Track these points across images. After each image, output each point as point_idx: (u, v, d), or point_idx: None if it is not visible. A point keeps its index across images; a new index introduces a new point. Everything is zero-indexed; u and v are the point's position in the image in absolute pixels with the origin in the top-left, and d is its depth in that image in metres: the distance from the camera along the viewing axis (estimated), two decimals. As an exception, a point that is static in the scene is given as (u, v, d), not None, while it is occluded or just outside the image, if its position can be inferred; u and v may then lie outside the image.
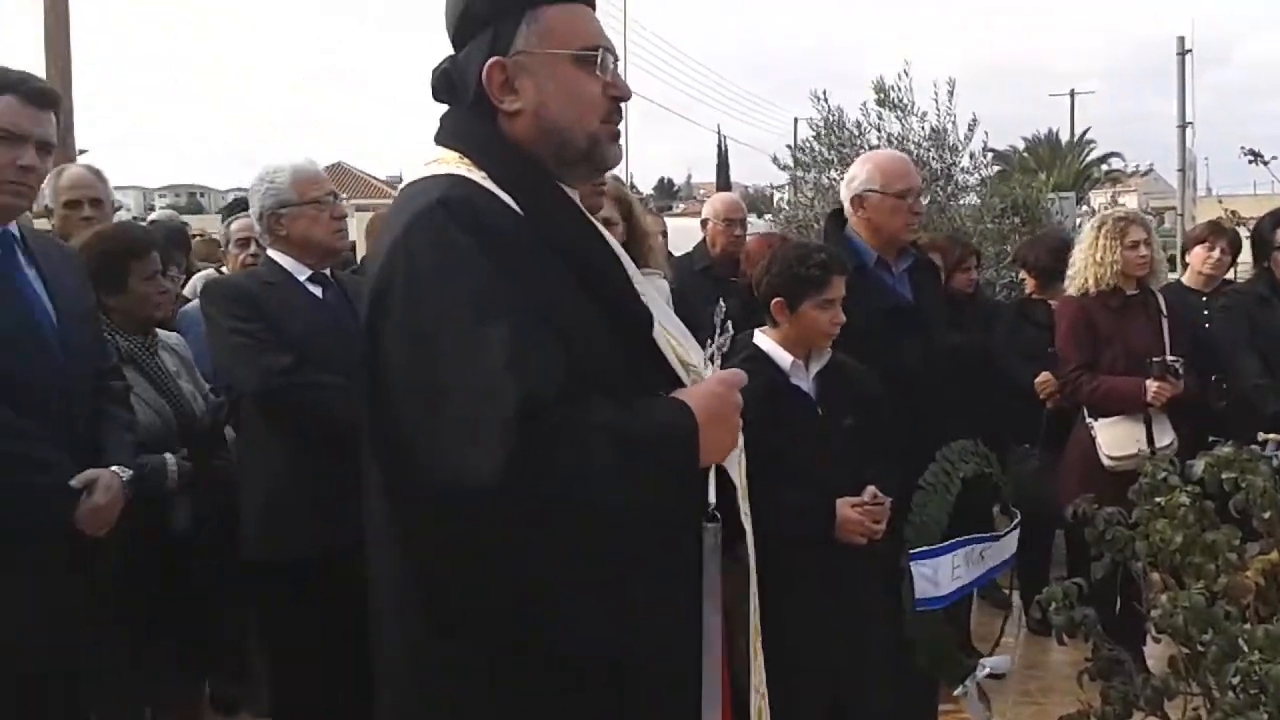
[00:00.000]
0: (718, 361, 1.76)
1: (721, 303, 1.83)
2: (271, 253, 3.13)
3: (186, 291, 4.58)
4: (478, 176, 1.66)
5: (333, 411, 2.75)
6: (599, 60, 1.70)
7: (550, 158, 1.71)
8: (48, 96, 2.57)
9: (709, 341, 1.78)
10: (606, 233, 1.82)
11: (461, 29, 1.72)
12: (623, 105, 1.75)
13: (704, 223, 5.74)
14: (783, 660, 2.86)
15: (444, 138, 1.75)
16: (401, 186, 1.79)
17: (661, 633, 1.62)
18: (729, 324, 1.79)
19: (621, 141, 1.81)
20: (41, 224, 3.71)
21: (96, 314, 2.86)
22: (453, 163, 1.69)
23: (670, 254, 5.28)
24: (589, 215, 1.79)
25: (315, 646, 2.89)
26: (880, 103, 8.50)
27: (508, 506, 1.44)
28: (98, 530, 2.50)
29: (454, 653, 1.61)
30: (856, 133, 8.66)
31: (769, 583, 2.98)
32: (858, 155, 8.21)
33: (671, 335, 1.76)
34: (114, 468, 2.58)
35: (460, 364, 1.47)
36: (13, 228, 2.54)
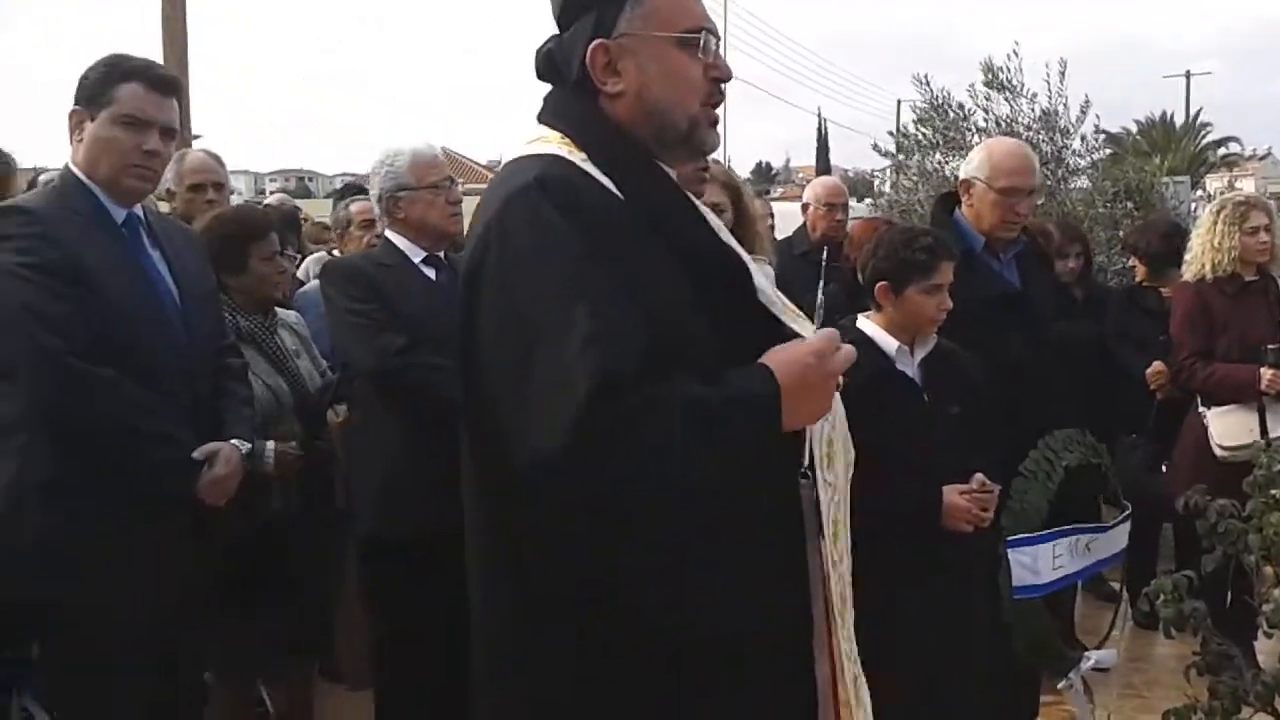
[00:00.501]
0: (820, 318, 1.76)
1: (821, 290, 1.82)
2: (389, 234, 3.19)
3: (300, 274, 4.73)
4: (577, 157, 1.68)
5: (444, 392, 2.80)
6: (702, 42, 1.71)
7: (650, 139, 1.72)
8: (171, 83, 2.66)
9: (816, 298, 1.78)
10: (708, 212, 1.83)
11: (567, 10, 1.74)
12: (724, 87, 1.76)
13: (804, 207, 5.69)
14: (885, 647, 2.88)
15: (546, 116, 1.77)
16: (503, 163, 1.82)
17: (749, 607, 1.62)
18: (822, 312, 1.79)
19: (719, 124, 1.82)
20: (162, 207, 3.84)
21: (217, 294, 2.96)
22: (554, 142, 1.72)
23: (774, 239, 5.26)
24: (690, 195, 1.80)
25: (423, 624, 2.95)
26: (988, 84, 8.30)
27: (578, 483, 1.47)
28: (218, 500, 2.59)
29: (539, 628, 1.64)
30: (962, 115, 8.48)
31: (872, 568, 2.99)
32: (964, 139, 8.14)
33: (775, 298, 1.76)
34: (233, 441, 2.67)
35: (543, 341, 1.50)
36: (138, 211, 2.64)
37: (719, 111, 1.78)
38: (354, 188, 6.18)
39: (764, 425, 1.56)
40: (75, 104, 2.58)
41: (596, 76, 1.70)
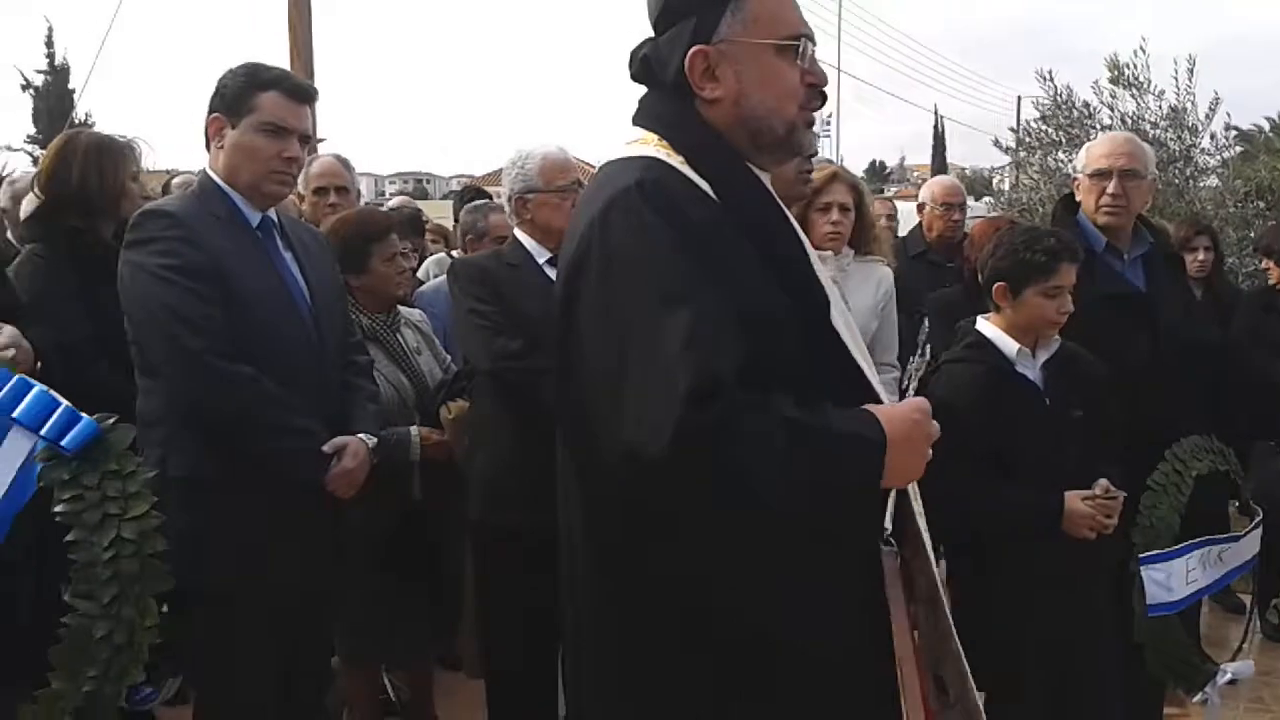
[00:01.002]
0: (914, 384, 1.75)
1: (926, 323, 1.81)
2: (518, 233, 3.25)
3: (420, 274, 4.85)
4: (675, 160, 1.69)
5: (550, 396, 2.86)
6: (800, 49, 1.71)
7: (746, 143, 1.74)
8: (308, 92, 2.76)
9: (910, 359, 1.77)
10: (792, 218, 1.83)
11: (665, 14, 1.75)
12: (824, 90, 1.76)
13: (920, 207, 5.61)
14: (1007, 657, 2.83)
15: (643, 119, 1.79)
16: (600, 165, 1.84)
17: (824, 634, 1.64)
18: (928, 348, 1.78)
19: (831, 123, 1.83)
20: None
21: (344, 294, 3.06)
22: (651, 144, 1.73)
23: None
24: (780, 202, 1.81)
25: (527, 612, 3.01)
26: (1114, 80, 8.07)
27: (671, 481, 1.48)
28: (346, 492, 2.68)
29: (629, 618, 1.67)
30: (1086, 113, 8.25)
31: (990, 577, 2.95)
32: (1088, 136, 7.92)
33: (846, 330, 1.76)
34: (360, 435, 2.75)
35: (643, 342, 1.52)
36: (272, 214, 2.74)
37: (825, 112, 1.80)
38: (473, 190, 6.30)
39: (867, 469, 1.55)
40: (214, 111, 2.67)
41: (694, 82, 1.71)
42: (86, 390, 2.31)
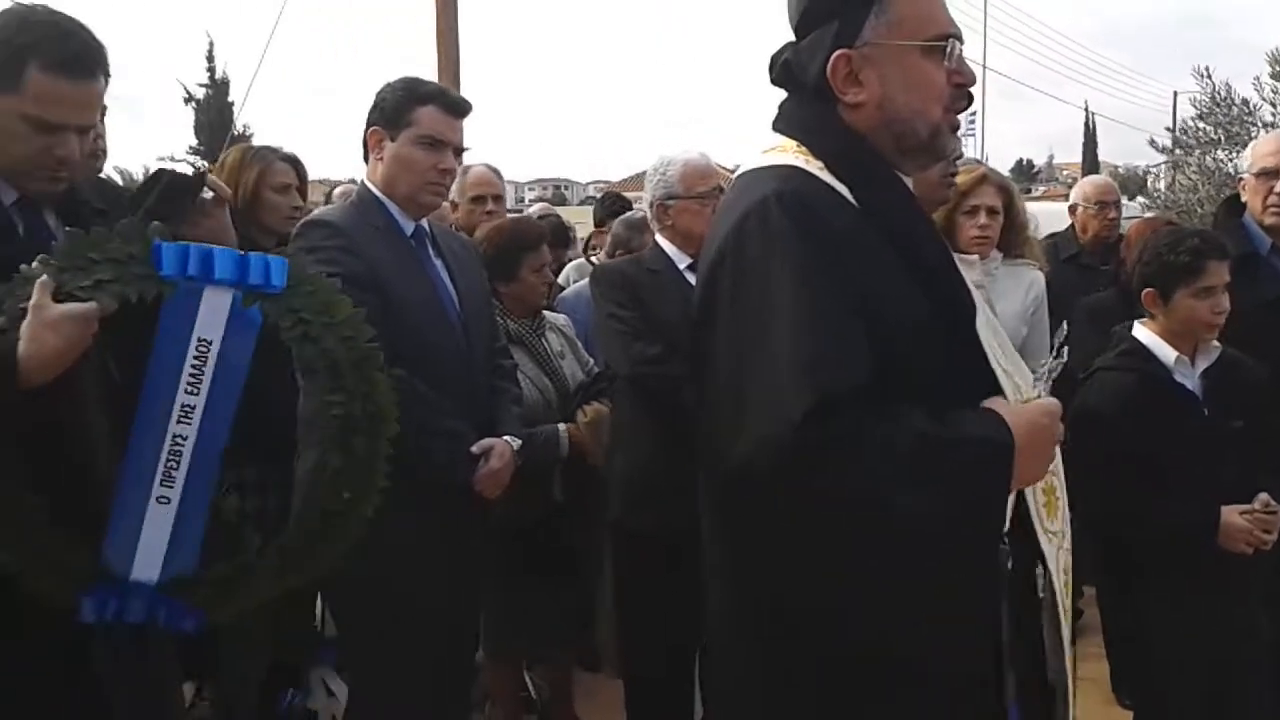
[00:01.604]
0: (1047, 385, 1.72)
1: (1065, 325, 1.78)
2: (659, 239, 3.29)
3: (560, 279, 4.95)
4: (814, 167, 1.68)
5: (688, 403, 2.89)
6: (948, 49, 1.68)
7: (890, 147, 1.71)
8: (464, 107, 2.85)
9: (1043, 361, 1.74)
10: (935, 224, 1.81)
11: (807, 17, 1.73)
12: (970, 91, 1.73)
13: (1072, 208, 5.43)
14: (1156, 674, 2.73)
15: (782, 125, 1.78)
16: (738, 174, 1.82)
17: (951, 642, 1.62)
18: (1065, 349, 1.75)
19: (976, 121, 1.81)
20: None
21: (491, 300, 3.15)
22: (790, 151, 1.72)
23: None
24: (922, 207, 1.79)
25: (664, 614, 3.04)
26: (1276, 76, 7.68)
27: (783, 497, 1.49)
28: (493, 493, 2.76)
29: (759, 626, 1.68)
30: (1246, 110, 7.88)
31: (1140, 592, 2.85)
32: (1248, 134, 7.56)
33: (993, 335, 1.74)
34: (506, 437, 2.83)
35: (765, 357, 1.52)
36: (424, 223, 2.84)
37: (969, 111, 1.76)
38: (613, 196, 6.37)
39: (994, 473, 1.53)
40: (373, 124, 2.77)
41: (837, 86, 1.69)
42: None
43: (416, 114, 2.74)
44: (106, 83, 2.05)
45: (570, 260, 5.64)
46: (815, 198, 1.63)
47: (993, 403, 1.61)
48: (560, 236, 5.37)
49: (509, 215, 4.44)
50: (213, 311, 1.94)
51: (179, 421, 1.94)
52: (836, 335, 1.52)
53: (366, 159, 2.83)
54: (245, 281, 1.94)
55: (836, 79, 1.69)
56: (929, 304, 1.64)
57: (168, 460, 1.96)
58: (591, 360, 3.76)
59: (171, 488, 1.96)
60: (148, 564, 1.97)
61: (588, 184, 60.22)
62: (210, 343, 1.94)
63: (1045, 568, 1.73)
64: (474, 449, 2.74)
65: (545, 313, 3.73)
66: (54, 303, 1.81)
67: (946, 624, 1.60)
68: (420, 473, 2.63)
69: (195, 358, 1.94)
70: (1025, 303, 3.41)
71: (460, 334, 2.81)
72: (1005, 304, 3.24)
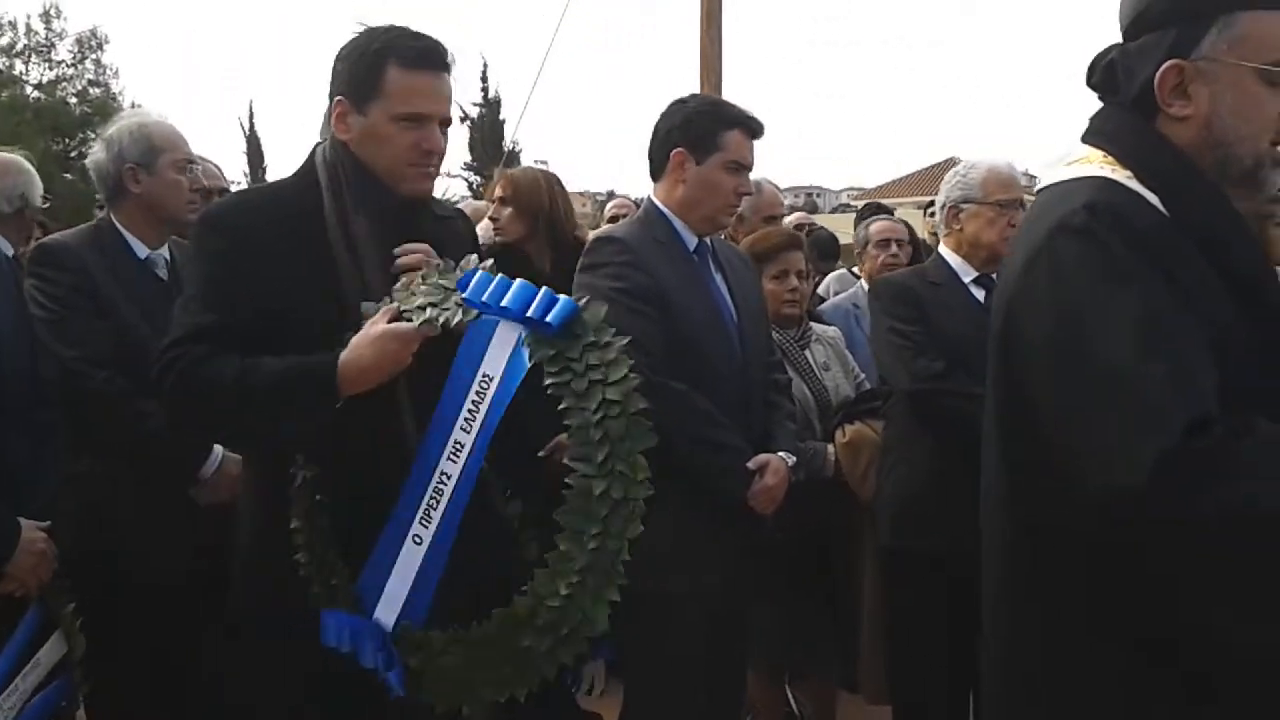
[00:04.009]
0: None
1: None
2: (942, 249, 3.22)
3: (820, 290, 4.92)
4: (1121, 175, 1.60)
5: (975, 421, 2.79)
6: None
7: (1210, 168, 1.61)
8: (762, 131, 2.88)
9: None
10: (1255, 234, 1.67)
11: (1140, 21, 1.65)
12: None
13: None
14: None
15: (1091, 136, 1.70)
16: (1040, 188, 1.75)
17: None
18: None
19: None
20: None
21: (766, 314, 3.15)
22: (1096, 162, 1.64)
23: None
24: (1241, 217, 1.64)
25: (932, 640, 3.00)
26: None
27: (1162, 518, 1.40)
28: (767, 509, 2.76)
29: (1072, 657, 1.59)
30: None
31: None
32: None
33: None
34: (781, 453, 2.82)
35: (1120, 376, 1.44)
36: (707, 241, 2.89)
37: None
38: (873, 206, 6.28)
39: None
40: (678, 145, 2.82)
41: (1162, 97, 1.61)
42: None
43: (725, 139, 2.79)
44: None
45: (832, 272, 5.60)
46: (1129, 208, 1.56)
47: None
48: (828, 248, 5.33)
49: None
50: (499, 346, 1.97)
51: (449, 458, 1.97)
52: (1191, 348, 1.45)
53: (657, 177, 2.89)
54: (525, 316, 1.94)
55: (1164, 89, 1.60)
56: (1245, 317, 1.54)
57: (431, 497, 1.98)
58: (862, 375, 3.71)
59: (428, 527, 1.98)
60: (389, 607, 2.00)
61: (840, 190, 59.58)
62: (491, 379, 1.96)
63: None
64: (750, 464, 2.74)
65: (814, 325, 3.70)
66: (381, 323, 1.97)
67: None
68: (697, 486, 2.68)
69: (476, 393, 1.97)
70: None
71: (737, 347, 2.83)
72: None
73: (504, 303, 1.96)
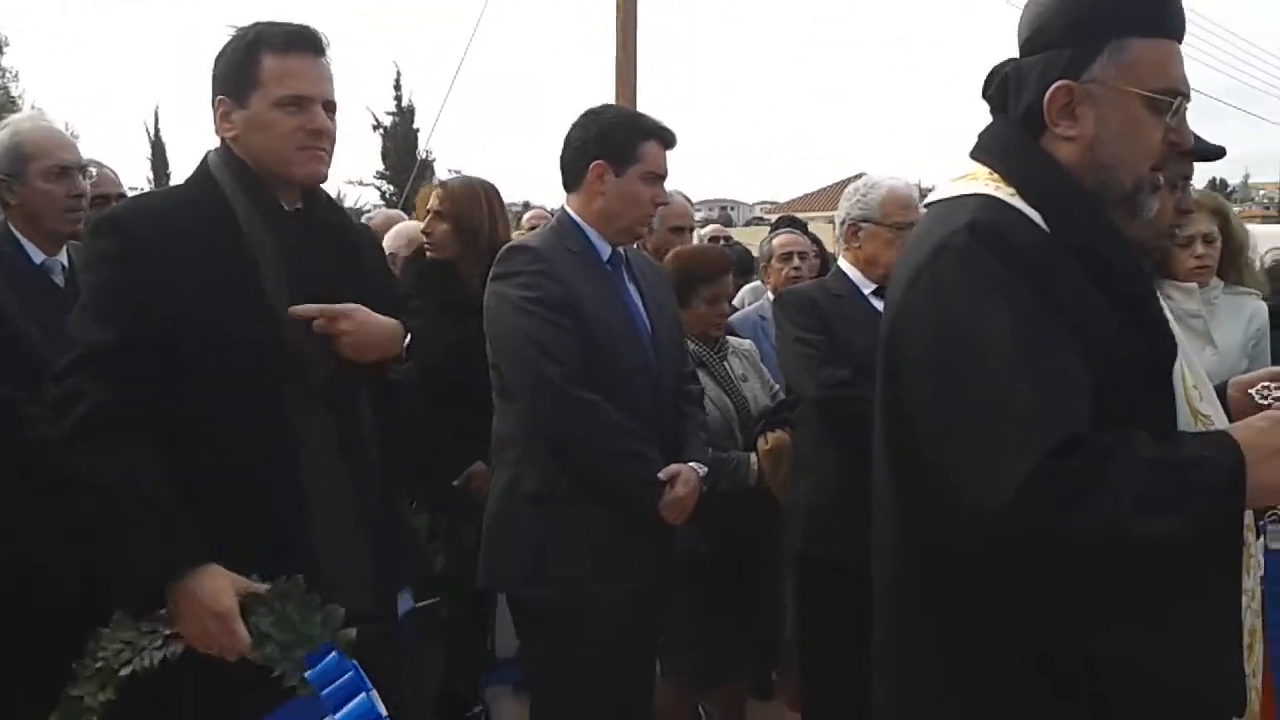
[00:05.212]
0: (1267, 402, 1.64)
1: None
2: (842, 263, 3.26)
3: (735, 301, 4.95)
4: (1005, 193, 1.62)
5: None
6: (1175, 107, 1.60)
7: (1091, 190, 1.64)
8: (674, 142, 2.90)
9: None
10: (1139, 255, 1.72)
11: (1038, 38, 1.67)
12: (1187, 154, 1.66)
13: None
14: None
15: (978, 153, 1.73)
16: (927, 203, 1.78)
17: (1195, 663, 1.54)
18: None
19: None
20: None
21: (680, 324, 3.16)
22: (981, 178, 1.67)
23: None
24: (1126, 239, 1.69)
25: (840, 645, 2.96)
26: None
27: (1024, 537, 1.42)
28: (677, 519, 2.75)
29: (956, 660, 1.62)
30: None
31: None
32: None
33: (1191, 376, 1.65)
34: (692, 464, 2.82)
35: (991, 395, 1.46)
36: (620, 248, 2.88)
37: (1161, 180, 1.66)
38: (786, 220, 6.34)
39: (1226, 494, 1.44)
40: (597, 158, 2.80)
41: (1050, 116, 1.63)
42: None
43: (643, 150, 2.80)
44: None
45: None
46: (1010, 227, 1.58)
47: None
48: (745, 264, 5.38)
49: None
50: None
51: None
52: (1062, 367, 1.47)
53: (572, 187, 2.87)
54: None
55: (1053, 109, 1.63)
56: (1128, 335, 1.58)
57: None
58: (777, 386, 3.74)
59: None
60: None
61: (754, 204, 60.12)
62: None
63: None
64: (661, 475, 2.74)
65: (730, 337, 3.73)
66: (230, 599, 1.94)
67: (1191, 646, 1.52)
68: (608, 496, 2.68)
69: None
70: (1246, 334, 3.25)
71: (651, 357, 2.83)
72: (1225, 335, 3.08)
73: (338, 716, 1.92)
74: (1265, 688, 1.69)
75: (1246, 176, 64.97)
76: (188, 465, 2.04)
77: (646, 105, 11.09)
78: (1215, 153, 1.71)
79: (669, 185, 3.05)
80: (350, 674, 1.96)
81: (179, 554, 1.97)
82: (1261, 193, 52.51)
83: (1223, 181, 64.74)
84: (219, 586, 1.95)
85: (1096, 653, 1.53)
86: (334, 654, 1.97)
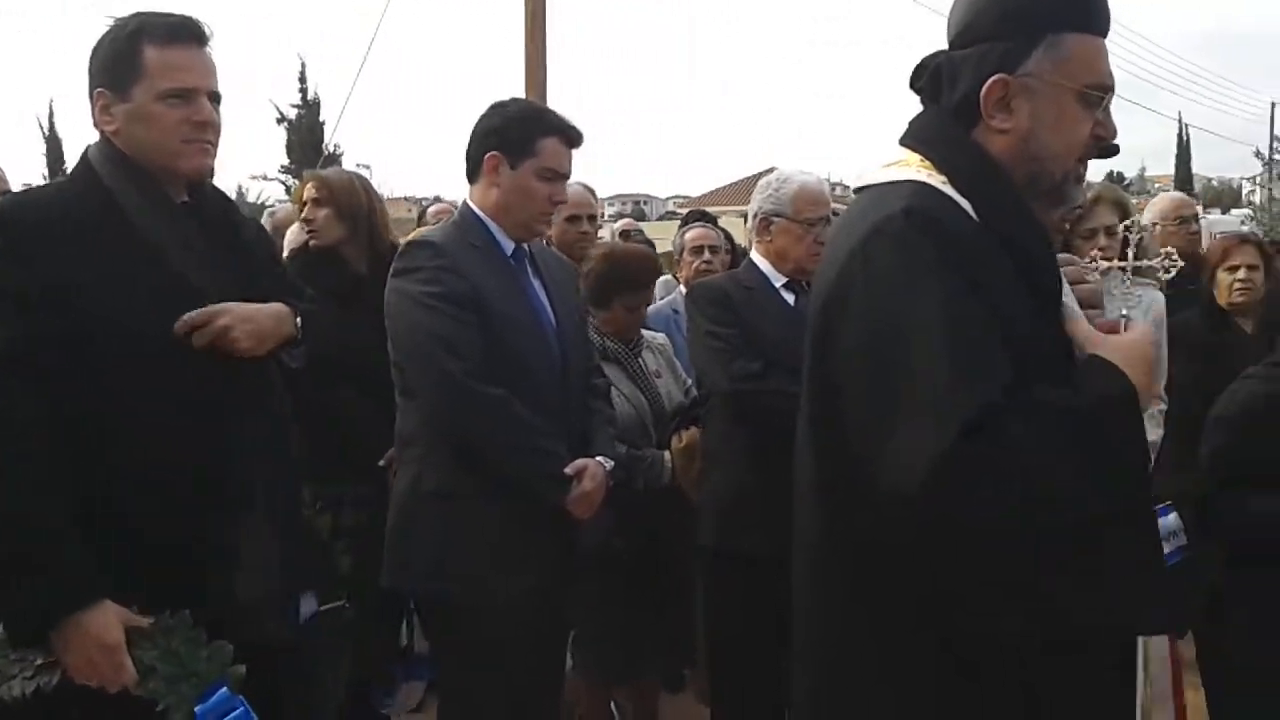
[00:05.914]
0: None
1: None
2: (754, 255, 3.27)
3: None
4: (937, 181, 1.65)
5: (792, 420, 2.84)
6: (1104, 102, 1.66)
7: (1021, 182, 1.67)
8: (581, 140, 2.86)
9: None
10: (1053, 250, 1.76)
11: (968, 33, 1.69)
12: (1111, 146, 1.71)
13: (1150, 227, 5.14)
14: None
15: (909, 140, 1.74)
16: (857, 187, 1.79)
17: (1118, 606, 1.57)
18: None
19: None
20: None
21: (586, 320, 3.14)
22: (913, 165, 1.69)
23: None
24: (1046, 232, 1.74)
25: (752, 638, 3.04)
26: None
27: (944, 515, 1.44)
28: (585, 514, 2.73)
29: (884, 642, 1.64)
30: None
31: (1231, 598, 2.74)
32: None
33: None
34: (598, 458, 2.80)
35: (913, 376, 1.48)
36: (524, 246, 2.85)
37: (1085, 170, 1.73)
38: (697, 214, 6.34)
39: (1129, 418, 1.53)
40: (492, 150, 2.76)
41: (986, 109, 1.66)
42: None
43: (542, 145, 2.75)
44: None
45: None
46: (944, 213, 1.60)
47: (1085, 342, 1.63)
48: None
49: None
50: None
51: None
52: (984, 350, 1.49)
53: (473, 179, 2.83)
54: None
55: (989, 101, 1.65)
56: (1043, 323, 1.62)
57: None
58: (690, 381, 3.73)
59: None
60: None
61: (667, 199, 60.31)
62: None
63: None
64: (568, 470, 2.72)
65: (644, 332, 3.72)
66: (119, 633, 1.92)
67: (1115, 590, 1.55)
68: (514, 493, 2.64)
69: None
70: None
71: (556, 353, 2.80)
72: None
73: None
74: (1170, 658, 1.72)
75: (1143, 169, 67.13)
76: (105, 467, 1.99)
77: (556, 99, 11.01)
78: (1112, 148, 1.74)
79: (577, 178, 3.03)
80: (239, 710, 1.97)
81: (71, 594, 1.92)
82: (1157, 185, 54.23)
83: (1119, 175, 66.80)
84: (108, 620, 1.92)
85: (1010, 632, 1.55)
86: (223, 689, 1.97)
